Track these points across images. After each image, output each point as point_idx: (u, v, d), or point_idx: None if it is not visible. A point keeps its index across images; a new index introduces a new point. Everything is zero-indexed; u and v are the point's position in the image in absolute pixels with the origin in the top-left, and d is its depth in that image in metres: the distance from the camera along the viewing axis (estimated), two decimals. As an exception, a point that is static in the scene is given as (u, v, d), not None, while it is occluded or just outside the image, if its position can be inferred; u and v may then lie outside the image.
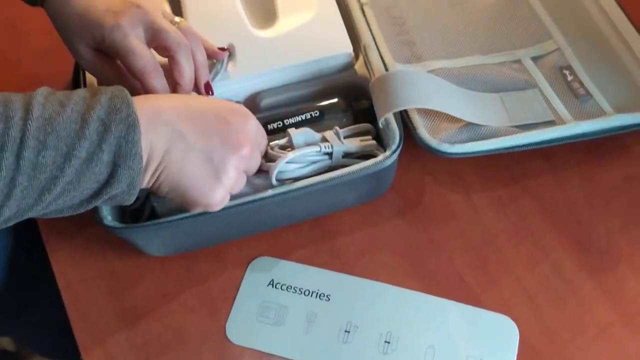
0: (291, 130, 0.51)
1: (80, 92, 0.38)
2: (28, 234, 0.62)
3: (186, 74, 0.48)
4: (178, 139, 0.40)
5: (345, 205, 0.55)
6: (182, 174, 0.41)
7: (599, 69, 0.57)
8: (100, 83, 0.53)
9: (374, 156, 0.50)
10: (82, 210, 0.39)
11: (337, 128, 0.51)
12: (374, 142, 0.53)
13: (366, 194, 0.55)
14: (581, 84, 0.56)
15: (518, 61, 0.58)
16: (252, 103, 0.55)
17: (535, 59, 0.58)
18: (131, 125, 0.37)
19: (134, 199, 0.40)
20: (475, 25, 0.60)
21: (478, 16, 0.61)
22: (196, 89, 0.50)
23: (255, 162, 0.46)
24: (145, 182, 0.40)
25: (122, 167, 0.37)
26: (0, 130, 0.34)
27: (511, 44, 0.59)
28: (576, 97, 0.55)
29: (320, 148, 0.50)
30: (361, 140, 0.52)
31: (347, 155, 0.52)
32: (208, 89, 0.51)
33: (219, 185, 0.42)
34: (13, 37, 0.72)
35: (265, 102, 0.54)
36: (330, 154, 0.51)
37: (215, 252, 0.54)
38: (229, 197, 0.45)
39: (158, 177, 0.41)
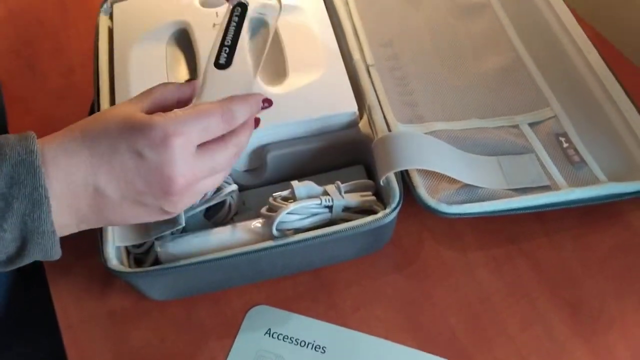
0: (294, 183, 0.53)
1: None
2: (29, 265, 0.63)
3: None
4: (102, 198, 0.37)
5: (344, 258, 0.57)
6: (128, 219, 0.39)
7: (593, 138, 0.59)
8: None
9: (374, 212, 0.52)
10: (4, 270, 0.38)
11: (339, 183, 0.53)
12: (373, 198, 0.54)
13: (365, 248, 0.56)
14: (576, 151, 0.58)
15: (516, 126, 0.60)
16: (259, 154, 0.57)
17: (532, 124, 0.60)
18: (37, 202, 0.34)
19: (59, 256, 0.38)
20: (475, 89, 0.63)
21: (478, 81, 0.64)
22: None
23: (215, 160, 0.41)
24: (84, 228, 0.39)
25: (31, 243, 0.35)
26: None
27: (510, 109, 0.61)
28: (571, 163, 0.57)
29: (321, 201, 0.52)
30: (361, 196, 0.54)
31: (347, 209, 0.53)
32: None
33: (167, 214, 0.40)
34: (31, 77, 0.75)
35: (272, 153, 0.56)
36: (330, 207, 0.52)
37: (215, 299, 0.55)
38: (197, 196, 0.42)
39: (105, 226, 0.40)
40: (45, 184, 0.34)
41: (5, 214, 0.34)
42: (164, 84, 0.43)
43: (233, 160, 0.42)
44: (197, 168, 0.39)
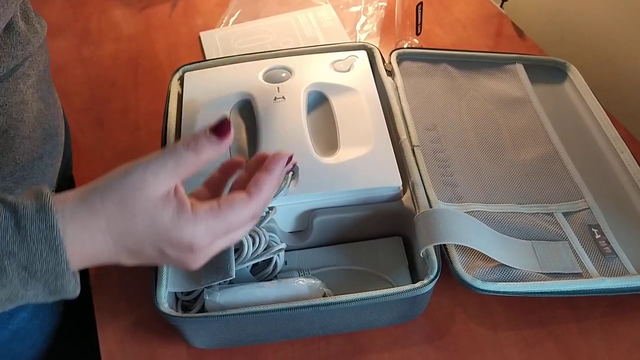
0: None
1: (3, 222, 0.33)
2: (79, 311, 0.66)
3: None
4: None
5: (378, 324, 0.59)
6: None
7: (625, 232, 0.62)
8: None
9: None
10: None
11: None
12: None
13: (400, 316, 0.58)
14: (608, 243, 0.61)
15: (550, 214, 0.63)
16: (306, 217, 0.62)
17: (566, 214, 0.63)
18: (59, 275, 0.35)
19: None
20: (512, 176, 0.67)
21: (516, 168, 0.68)
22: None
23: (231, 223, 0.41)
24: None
25: (55, 296, 0.37)
26: None
27: (545, 198, 0.65)
28: (603, 254, 0.60)
29: None
30: None
31: None
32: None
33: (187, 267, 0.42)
34: (99, 134, 0.82)
35: (318, 218, 0.60)
36: None
37: (252, 352, 0.58)
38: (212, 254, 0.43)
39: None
40: (67, 259, 0.34)
41: (28, 282, 0.34)
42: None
43: (251, 221, 0.43)
44: (214, 235, 0.40)
